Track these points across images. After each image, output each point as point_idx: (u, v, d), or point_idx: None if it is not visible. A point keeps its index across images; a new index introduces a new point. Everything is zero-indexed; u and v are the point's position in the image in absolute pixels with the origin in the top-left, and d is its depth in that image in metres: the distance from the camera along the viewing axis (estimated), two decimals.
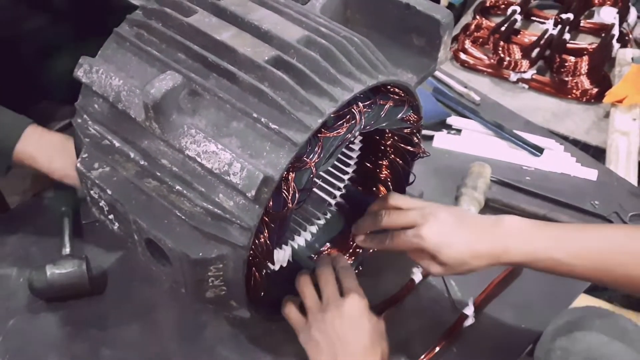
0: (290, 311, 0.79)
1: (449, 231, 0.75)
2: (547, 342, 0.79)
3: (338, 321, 0.74)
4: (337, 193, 0.96)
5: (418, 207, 0.80)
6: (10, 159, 0.90)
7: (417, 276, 0.96)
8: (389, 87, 0.75)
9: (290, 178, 0.64)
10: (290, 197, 0.64)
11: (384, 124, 0.76)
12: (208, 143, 0.62)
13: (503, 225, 0.76)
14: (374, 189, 0.94)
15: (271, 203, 0.64)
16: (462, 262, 0.75)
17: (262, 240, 0.66)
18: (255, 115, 0.63)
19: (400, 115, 0.77)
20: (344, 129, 0.67)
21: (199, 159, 0.62)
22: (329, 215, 0.96)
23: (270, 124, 0.62)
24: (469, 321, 0.91)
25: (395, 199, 0.83)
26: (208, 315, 0.92)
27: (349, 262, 0.92)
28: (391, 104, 0.74)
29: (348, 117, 0.68)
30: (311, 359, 0.76)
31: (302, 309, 0.79)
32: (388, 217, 0.81)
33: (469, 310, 0.91)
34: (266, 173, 0.60)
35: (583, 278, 0.75)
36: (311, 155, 0.65)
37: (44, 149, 0.90)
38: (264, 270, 0.73)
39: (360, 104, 0.69)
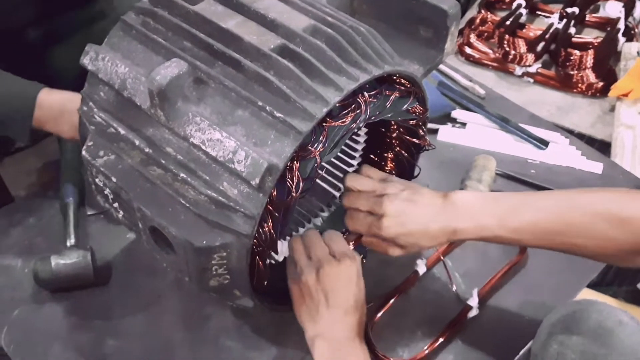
0: (297, 244, 0.79)
1: (405, 219, 0.77)
2: (543, 337, 0.79)
3: (327, 279, 0.75)
4: (342, 185, 0.96)
5: (373, 189, 0.80)
6: (29, 125, 0.90)
7: (421, 268, 0.96)
8: (395, 77, 0.75)
9: (294, 167, 0.64)
10: (294, 186, 0.64)
11: (389, 115, 0.76)
12: (213, 131, 0.62)
13: (452, 203, 0.77)
14: None
15: (275, 192, 0.64)
16: (419, 245, 0.78)
17: (266, 229, 0.66)
18: (260, 103, 0.62)
19: (405, 106, 0.77)
20: (349, 119, 0.67)
21: (203, 147, 0.62)
22: (333, 208, 0.96)
23: (275, 112, 0.62)
24: (473, 312, 0.91)
25: (351, 180, 0.83)
26: (212, 306, 0.92)
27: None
28: (397, 95, 0.74)
29: (353, 106, 0.68)
30: (293, 302, 0.78)
31: None
32: (347, 199, 0.83)
33: (473, 302, 0.91)
34: (270, 161, 0.60)
35: (532, 247, 0.78)
36: (316, 145, 0.65)
37: (62, 111, 0.90)
38: (268, 260, 0.73)
39: (366, 94, 0.69)
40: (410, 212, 0.77)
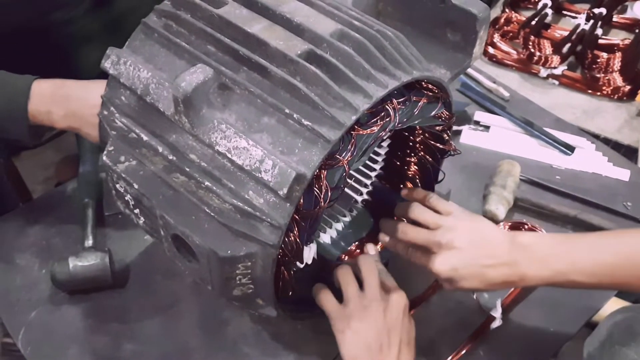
0: (327, 299, 0.77)
1: (463, 264, 0.75)
2: (602, 338, 0.77)
3: (381, 315, 0.73)
4: (364, 190, 0.94)
5: (434, 224, 0.79)
6: (26, 121, 0.86)
7: None
8: (423, 83, 0.73)
9: (322, 176, 0.62)
10: (322, 196, 0.63)
11: (416, 122, 0.74)
12: (239, 139, 0.60)
13: (519, 249, 0.75)
14: (402, 186, 0.92)
15: (302, 201, 0.62)
16: (476, 290, 0.78)
17: (292, 238, 0.65)
18: (287, 110, 0.61)
19: (434, 112, 0.75)
20: (378, 127, 0.65)
21: (229, 155, 0.61)
22: (355, 213, 0.95)
23: (302, 120, 0.60)
24: (496, 323, 0.89)
25: (415, 212, 0.82)
26: (231, 311, 0.91)
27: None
28: (425, 101, 0.72)
29: (382, 114, 0.66)
30: (344, 348, 0.74)
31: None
32: (403, 233, 0.81)
33: (497, 313, 0.89)
34: (298, 171, 0.59)
35: (607, 289, 0.76)
36: (344, 153, 0.63)
37: (54, 99, 0.87)
38: (292, 269, 0.71)
39: (395, 101, 0.67)
40: (468, 254, 0.75)
